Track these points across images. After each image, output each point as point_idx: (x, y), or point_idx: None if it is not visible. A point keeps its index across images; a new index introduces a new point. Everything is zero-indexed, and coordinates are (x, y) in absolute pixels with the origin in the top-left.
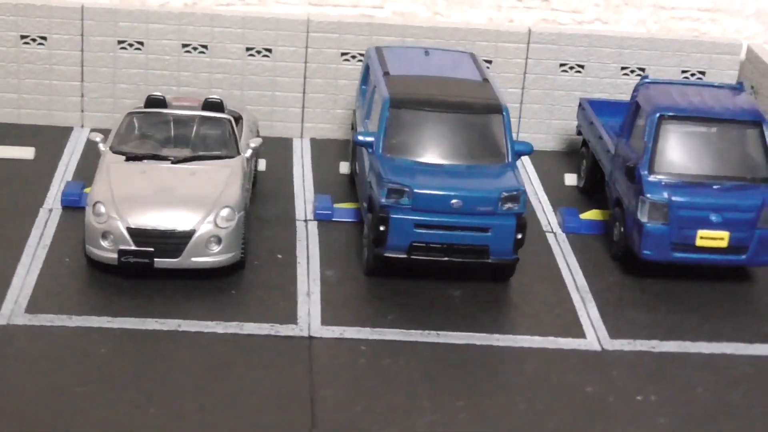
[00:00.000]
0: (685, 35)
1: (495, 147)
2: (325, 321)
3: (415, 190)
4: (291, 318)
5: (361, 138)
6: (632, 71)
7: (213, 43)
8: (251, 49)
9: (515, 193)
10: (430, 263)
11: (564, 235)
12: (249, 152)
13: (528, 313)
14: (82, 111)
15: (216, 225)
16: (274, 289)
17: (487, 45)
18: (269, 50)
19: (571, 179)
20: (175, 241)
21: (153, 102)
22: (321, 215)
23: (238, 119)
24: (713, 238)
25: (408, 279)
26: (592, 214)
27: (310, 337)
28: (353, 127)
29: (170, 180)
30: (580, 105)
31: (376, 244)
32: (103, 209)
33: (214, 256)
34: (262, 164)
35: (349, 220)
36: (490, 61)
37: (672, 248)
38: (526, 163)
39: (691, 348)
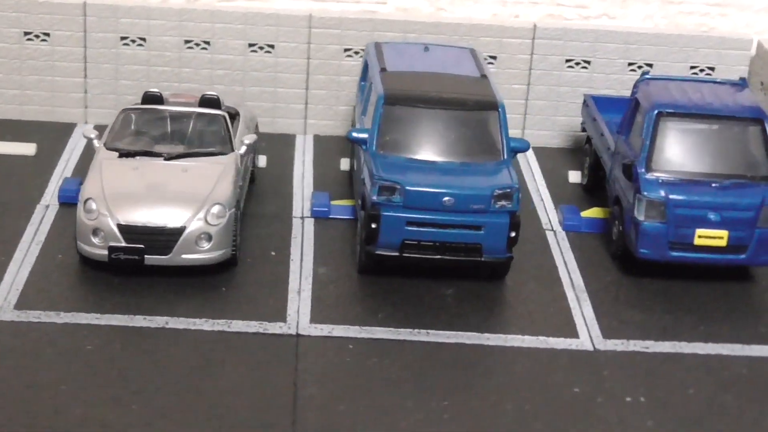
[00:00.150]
0: (693, 30)
1: (490, 144)
2: (314, 319)
3: (407, 188)
4: (280, 316)
5: (354, 135)
6: (639, 67)
7: (215, 39)
8: (253, 45)
9: (508, 190)
10: (423, 261)
11: (564, 233)
12: (243, 149)
13: (521, 312)
14: (86, 107)
15: (206, 222)
16: (265, 286)
17: (491, 41)
18: (271, 46)
19: (575, 176)
20: (165, 238)
21: (150, 98)
22: (318, 212)
23: (234, 116)
24: (712, 237)
25: (401, 277)
26: (592, 212)
27: (298, 335)
28: (353, 124)
29: (162, 177)
30: (584, 101)
31: (368, 241)
32: (94, 206)
33: (204, 253)
34: (262, 161)
35: (346, 217)
36: (494, 57)
37: (669, 247)
38: (530, 159)
39: (685, 349)
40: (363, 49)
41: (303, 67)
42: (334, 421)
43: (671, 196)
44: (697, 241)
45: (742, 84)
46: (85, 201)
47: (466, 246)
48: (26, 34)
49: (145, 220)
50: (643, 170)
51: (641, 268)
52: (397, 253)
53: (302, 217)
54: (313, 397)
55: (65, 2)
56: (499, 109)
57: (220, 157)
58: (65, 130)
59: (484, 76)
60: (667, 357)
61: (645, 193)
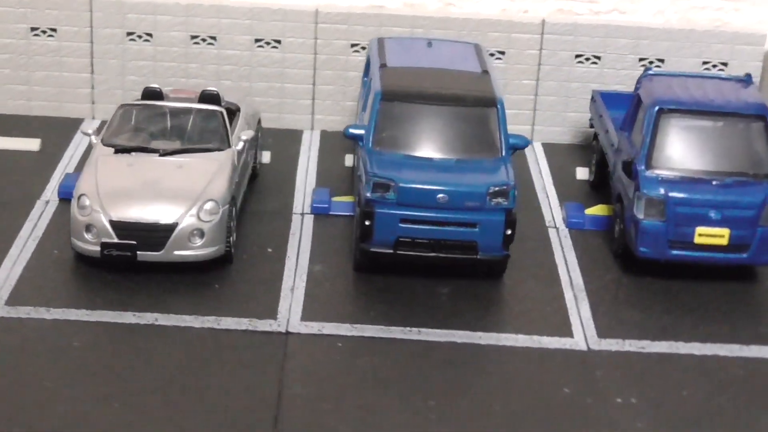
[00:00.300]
0: (706, 25)
1: (488, 141)
2: (306, 317)
3: (400, 185)
4: (271, 313)
5: (351, 131)
6: (651, 62)
7: (221, 34)
8: (260, 40)
9: (504, 187)
10: (418, 259)
11: (567, 230)
12: (240, 145)
13: (516, 311)
14: (93, 103)
15: (199, 218)
16: (259, 283)
17: (499, 36)
18: (278, 42)
19: (582, 173)
20: (157, 235)
21: (149, 94)
22: (318, 209)
23: (234, 111)
24: (713, 235)
25: (397, 276)
26: (597, 210)
27: (287, 333)
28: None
29: (156, 173)
30: (592, 97)
31: (362, 239)
32: (87, 202)
33: (197, 250)
34: (266, 156)
35: (347, 213)
36: (503, 53)
37: (669, 246)
38: (538, 156)
39: (682, 349)
40: None
41: (310, 62)
42: (318, 421)
43: (671, 194)
44: (697, 240)
45: (747, 80)
46: (79, 197)
47: (462, 244)
48: (33, 29)
49: (137, 216)
50: (642, 167)
51: (642, 267)
52: (391, 251)
53: (302, 214)
54: (298, 395)
55: None
56: (498, 106)
57: (216, 153)
58: (72, 125)
59: (485, 72)
60: (662, 357)
61: (644, 191)
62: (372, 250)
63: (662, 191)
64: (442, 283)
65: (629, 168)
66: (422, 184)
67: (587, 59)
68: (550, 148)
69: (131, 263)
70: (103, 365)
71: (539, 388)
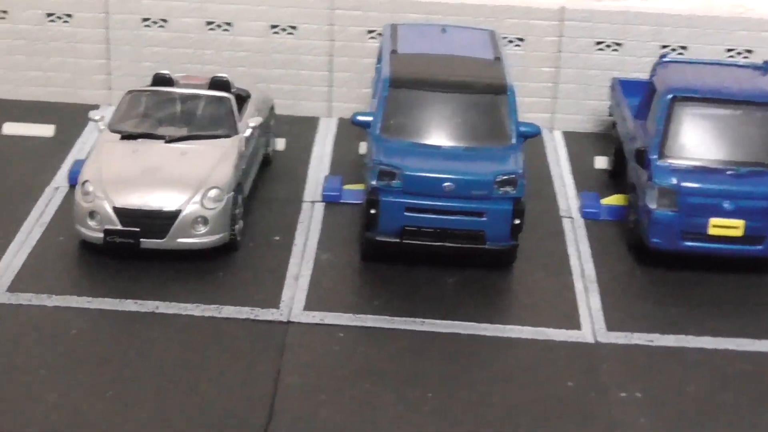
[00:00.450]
0: (729, 12)
1: (498, 129)
2: (309, 306)
3: (405, 173)
4: (273, 302)
5: (359, 118)
6: (673, 50)
7: (236, 20)
8: (275, 26)
9: (512, 176)
10: (424, 248)
11: (582, 221)
12: (248, 132)
13: (524, 302)
14: (109, 89)
15: (203, 206)
16: (264, 272)
17: (517, 23)
18: (293, 28)
19: (601, 162)
20: (160, 222)
21: (159, 80)
22: (328, 197)
23: (245, 98)
24: (727, 226)
25: (405, 265)
26: (614, 199)
27: (289, 322)
28: None
29: (160, 159)
30: (611, 85)
31: (368, 227)
32: (90, 188)
33: (200, 237)
34: (280, 143)
35: (358, 202)
36: (521, 39)
37: (682, 237)
38: (558, 144)
39: (691, 343)
40: None
41: (326, 49)
42: (312, 411)
43: (683, 184)
44: (711, 231)
45: (765, 68)
46: (83, 183)
47: (468, 233)
48: (48, 15)
49: (140, 203)
50: (655, 156)
51: (656, 258)
52: (397, 240)
53: (312, 202)
54: (294, 385)
55: None
56: (508, 93)
57: (222, 140)
58: (86, 112)
59: (497, 59)
60: (670, 351)
61: (656, 181)
62: (377, 239)
63: (674, 181)
64: (450, 273)
65: (642, 157)
66: (428, 172)
67: (608, 46)
68: (569, 137)
69: (134, 250)
70: (98, 354)
71: (541, 382)
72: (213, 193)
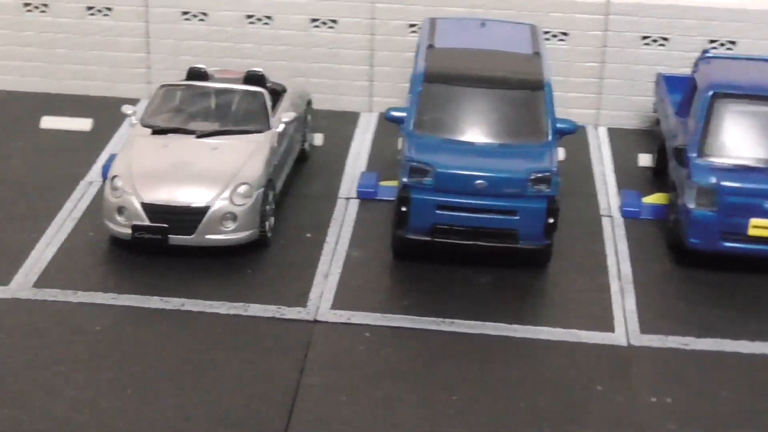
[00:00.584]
0: None
1: (534, 125)
2: (336, 305)
3: (437, 170)
4: (301, 300)
5: (392, 113)
6: (721, 45)
7: (276, 14)
8: (316, 20)
9: (546, 174)
10: (455, 247)
11: (621, 219)
12: (281, 127)
13: (557, 303)
14: (149, 83)
15: (231, 202)
16: (293, 269)
17: (561, 17)
18: (334, 21)
19: (644, 160)
20: (189, 218)
21: (194, 74)
22: (364, 193)
23: (280, 93)
24: (767, 227)
25: (437, 264)
26: (655, 198)
27: (315, 321)
28: None
29: (190, 155)
30: (656, 80)
31: (398, 225)
32: (119, 183)
33: (229, 234)
34: (318, 138)
35: (394, 198)
36: (566, 34)
37: (721, 237)
38: (602, 141)
39: (727, 347)
40: None
41: (366, 43)
42: (332, 412)
43: (723, 183)
44: (751, 232)
45: None
46: (112, 178)
47: (501, 232)
48: (89, 9)
49: (168, 198)
50: (694, 155)
51: (696, 259)
52: (428, 238)
53: (347, 198)
54: (315, 386)
55: None
56: (545, 89)
57: (254, 135)
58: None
59: (536, 54)
60: (705, 355)
61: (695, 180)
62: (408, 237)
63: (714, 180)
64: (482, 272)
65: (681, 155)
66: (460, 170)
67: (654, 41)
68: (614, 133)
69: (162, 246)
70: (120, 350)
71: (570, 385)
72: (242, 189)
